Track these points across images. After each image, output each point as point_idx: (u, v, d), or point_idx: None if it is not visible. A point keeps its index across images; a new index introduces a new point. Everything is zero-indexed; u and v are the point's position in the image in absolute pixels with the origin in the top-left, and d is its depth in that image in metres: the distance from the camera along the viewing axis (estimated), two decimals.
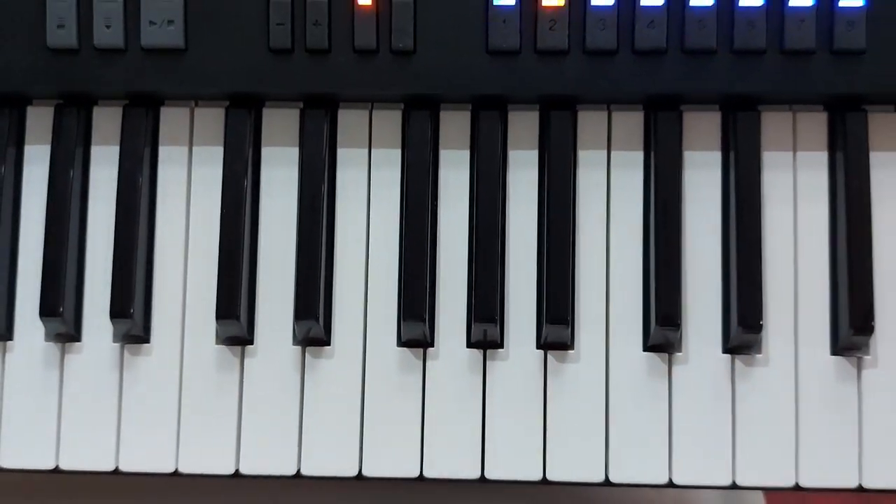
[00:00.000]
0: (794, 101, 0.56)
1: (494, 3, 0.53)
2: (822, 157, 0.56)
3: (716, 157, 0.56)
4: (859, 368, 0.55)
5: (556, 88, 0.54)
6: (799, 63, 0.53)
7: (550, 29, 0.53)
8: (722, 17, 0.53)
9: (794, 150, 0.56)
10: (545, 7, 0.53)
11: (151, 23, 0.54)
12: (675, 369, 0.55)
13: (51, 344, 0.56)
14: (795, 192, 0.56)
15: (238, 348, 0.56)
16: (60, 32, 0.54)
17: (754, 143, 0.55)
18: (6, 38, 0.55)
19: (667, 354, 0.55)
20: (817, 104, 0.56)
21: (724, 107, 0.56)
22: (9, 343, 0.56)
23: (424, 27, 0.54)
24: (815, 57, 0.53)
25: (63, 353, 0.56)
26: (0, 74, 0.55)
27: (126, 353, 0.56)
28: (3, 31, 0.54)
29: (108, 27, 0.54)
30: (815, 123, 0.56)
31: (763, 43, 0.53)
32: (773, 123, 0.56)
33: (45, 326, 0.55)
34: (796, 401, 0.55)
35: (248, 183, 0.56)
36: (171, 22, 0.54)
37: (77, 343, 0.56)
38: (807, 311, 0.55)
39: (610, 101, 0.56)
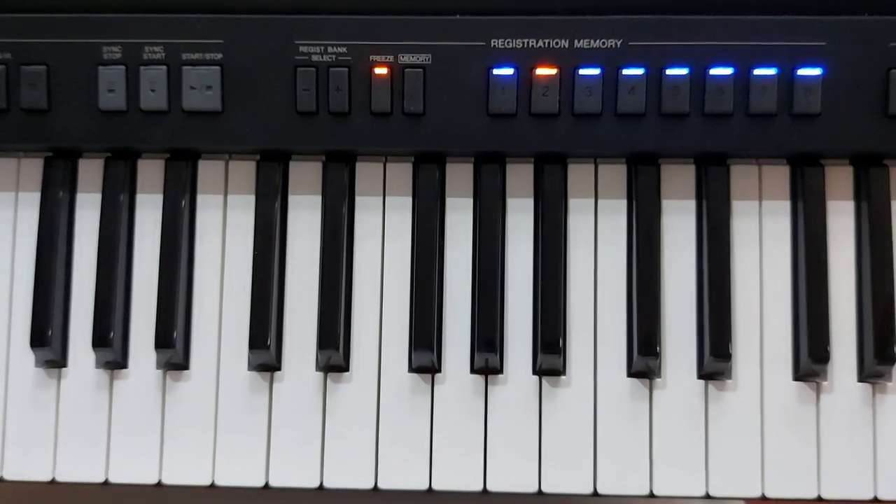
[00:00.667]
0: (759, 156, 0.63)
1: (494, 73, 0.60)
2: (785, 206, 0.63)
3: (690, 204, 0.63)
4: (818, 392, 0.62)
5: (548, 146, 0.61)
6: (763, 124, 0.61)
7: (543, 95, 0.60)
8: (694, 85, 0.60)
9: (760, 199, 0.63)
10: (539, 76, 0.60)
11: (192, 88, 0.61)
12: (655, 393, 0.62)
13: (101, 370, 0.63)
14: (761, 236, 0.63)
15: (268, 374, 0.63)
16: (111, 96, 0.61)
17: (724, 193, 0.62)
18: (64, 101, 0.62)
19: (648, 380, 0.62)
20: (781, 158, 0.63)
21: (697, 161, 0.63)
22: (63, 370, 0.63)
23: (433, 93, 0.61)
24: (777, 119, 0.60)
25: (112, 378, 0.63)
26: (59, 133, 0.62)
27: (168, 379, 0.63)
28: (62, 96, 0.61)
29: (153, 91, 0.61)
30: (779, 175, 0.63)
31: (731, 107, 0.60)
32: (741, 175, 0.63)
33: (97, 355, 0.63)
34: (762, 421, 0.62)
35: (277, 227, 0.63)
36: (209, 87, 0.61)
37: (124, 370, 0.63)
38: (771, 341, 0.62)
39: (596, 156, 0.63)
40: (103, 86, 0.61)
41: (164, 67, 0.61)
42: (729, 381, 0.62)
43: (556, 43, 0.60)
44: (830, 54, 0.60)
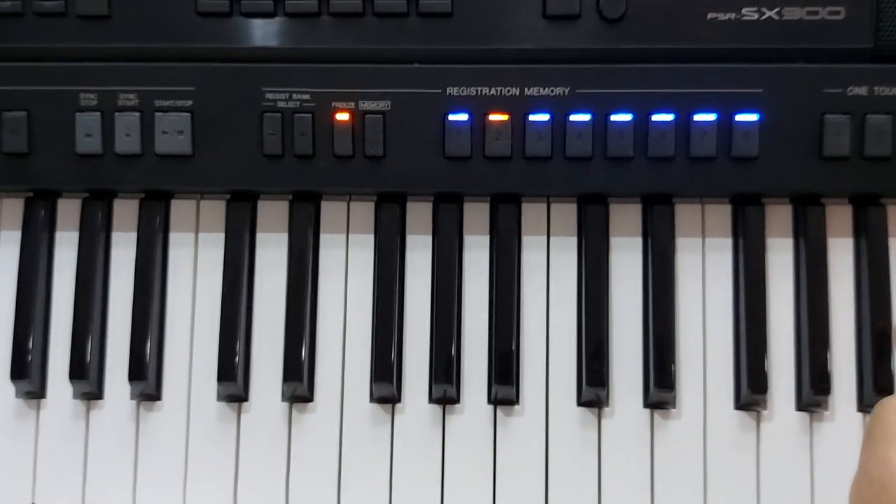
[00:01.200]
0: (701, 196, 0.66)
1: (450, 119, 0.64)
2: (727, 243, 0.66)
3: (637, 241, 0.67)
4: (758, 421, 0.65)
5: (502, 187, 0.65)
6: (704, 166, 0.64)
7: (496, 139, 0.64)
8: (638, 130, 0.63)
9: (703, 236, 0.67)
10: (492, 122, 0.64)
11: (164, 132, 0.64)
12: (603, 422, 0.65)
13: (78, 401, 0.66)
14: (704, 271, 0.66)
15: (236, 404, 0.66)
16: (88, 141, 0.65)
17: (668, 231, 0.66)
18: (43, 145, 0.65)
19: (596, 409, 0.65)
20: (723, 197, 0.67)
21: (643, 200, 0.67)
22: (42, 400, 0.66)
23: (393, 137, 0.64)
24: (717, 161, 0.64)
25: (88, 408, 0.66)
26: (39, 175, 0.65)
27: (141, 409, 0.66)
28: (41, 140, 0.65)
29: (127, 135, 0.65)
30: (721, 214, 0.67)
31: (673, 151, 0.63)
32: (685, 214, 0.66)
33: (74, 387, 0.66)
34: (705, 447, 0.65)
35: (245, 263, 0.66)
36: (180, 132, 0.64)
37: (100, 400, 0.66)
38: (714, 372, 0.65)
39: (548, 196, 0.66)
40: (80, 131, 0.65)
41: (138, 114, 0.64)
42: (673, 410, 0.65)
43: (508, 91, 0.64)
44: (767, 100, 0.63)
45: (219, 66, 0.64)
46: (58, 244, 0.68)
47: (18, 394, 0.66)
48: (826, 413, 0.65)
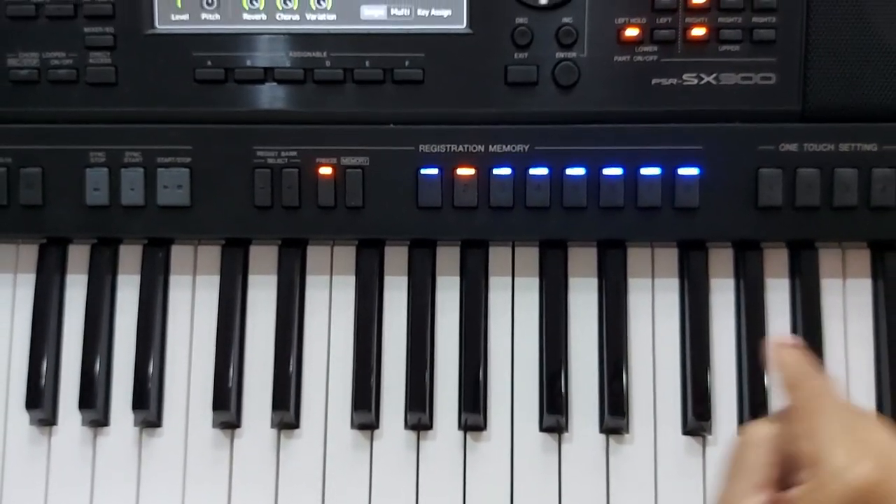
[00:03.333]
0: (650, 240, 0.73)
1: (422, 173, 0.71)
2: (674, 283, 0.73)
3: (593, 281, 0.73)
4: (703, 445, 0.71)
5: (470, 234, 0.72)
6: (651, 215, 0.71)
7: (464, 191, 0.71)
8: (591, 183, 0.70)
9: (653, 277, 0.73)
10: (460, 175, 0.71)
11: (165, 186, 0.71)
12: (563, 447, 0.72)
13: (86, 428, 0.73)
14: (653, 309, 0.73)
15: (229, 431, 0.72)
16: (96, 194, 0.72)
17: (621, 272, 0.72)
18: (56, 198, 0.72)
19: (557, 434, 0.72)
20: (669, 242, 0.74)
21: (598, 244, 0.73)
22: (53, 427, 0.73)
23: (371, 190, 0.71)
24: (662, 210, 0.70)
25: (95, 435, 0.73)
26: (51, 224, 0.72)
27: (144, 435, 0.73)
28: (54, 193, 0.72)
29: (132, 189, 0.72)
30: (669, 257, 0.73)
31: (622, 201, 0.70)
32: (636, 256, 0.73)
33: (82, 415, 0.72)
34: (655, 470, 0.71)
35: (238, 303, 0.73)
36: (180, 186, 0.71)
37: (106, 427, 0.73)
38: (663, 400, 0.72)
39: (512, 241, 0.73)
40: (90, 185, 0.72)
41: (142, 169, 0.71)
42: (627, 436, 0.71)
43: (474, 148, 0.71)
44: (707, 157, 0.70)
45: (214, 128, 0.71)
46: (68, 286, 0.75)
47: (32, 421, 0.73)
48: None
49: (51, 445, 0.73)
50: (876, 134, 0.69)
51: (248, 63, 0.71)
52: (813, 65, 0.70)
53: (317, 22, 0.71)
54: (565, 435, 0.71)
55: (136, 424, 0.72)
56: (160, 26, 0.71)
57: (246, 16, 0.71)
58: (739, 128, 0.70)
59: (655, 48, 0.70)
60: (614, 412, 0.70)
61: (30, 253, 0.75)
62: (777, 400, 0.70)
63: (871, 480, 0.44)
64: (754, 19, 0.69)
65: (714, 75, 0.70)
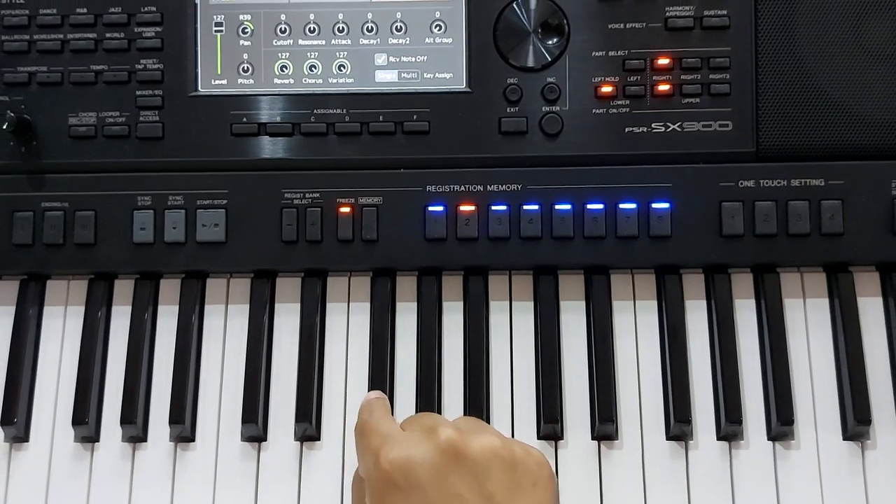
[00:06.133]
0: (630, 267, 0.82)
1: (429, 209, 0.81)
2: (653, 304, 0.82)
3: (582, 304, 0.82)
4: (686, 450, 0.79)
5: (472, 261, 0.81)
6: (629, 244, 0.80)
7: (466, 224, 0.81)
8: (576, 216, 0.80)
9: (634, 300, 0.82)
10: (462, 211, 0.81)
11: (203, 225, 0.81)
12: (559, 453, 0.79)
13: (126, 444, 0.80)
14: (636, 327, 0.82)
15: (256, 444, 0.80)
16: (142, 233, 0.81)
17: (606, 296, 0.81)
18: (106, 237, 0.81)
19: (553, 442, 0.79)
20: (648, 268, 0.83)
21: (585, 270, 0.83)
22: (96, 444, 0.80)
23: (384, 225, 0.81)
24: (639, 240, 0.80)
25: (134, 450, 0.80)
26: (102, 260, 0.82)
27: (178, 449, 0.80)
28: (105, 233, 0.81)
29: (174, 228, 0.81)
30: (647, 281, 0.83)
31: (604, 232, 0.80)
32: (619, 282, 0.82)
33: (123, 431, 0.79)
34: (643, 474, 0.78)
35: (265, 329, 0.82)
36: (216, 225, 0.81)
37: (144, 443, 0.80)
38: (648, 408, 0.79)
39: (509, 269, 0.83)
40: (137, 225, 0.81)
41: (183, 211, 0.81)
42: (616, 442, 0.79)
43: (474, 187, 0.81)
44: (676, 193, 0.80)
45: (248, 174, 0.82)
46: (114, 316, 0.83)
47: (77, 438, 0.80)
48: (742, 442, 0.78)
49: (92, 461, 0.80)
50: (822, 171, 0.80)
51: (279, 119, 0.82)
52: (763, 113, 0.81)
53: (337, 85, 0.83)
54: (561, 443, 0.79)
55: (171, 439, 0.79)
56: (202, 89, 0.83)
57: (276, 80, 0.83)
58: (703, 168, 0.81)
59: (627, 102, 0.81)
60: (604, 420, 0.78)
61: (79, 287, 0.83)
62: (750, 404, 0.78)
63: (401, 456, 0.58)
64: (711, 76, 0.81)
65: (679, 124, 0.82)
